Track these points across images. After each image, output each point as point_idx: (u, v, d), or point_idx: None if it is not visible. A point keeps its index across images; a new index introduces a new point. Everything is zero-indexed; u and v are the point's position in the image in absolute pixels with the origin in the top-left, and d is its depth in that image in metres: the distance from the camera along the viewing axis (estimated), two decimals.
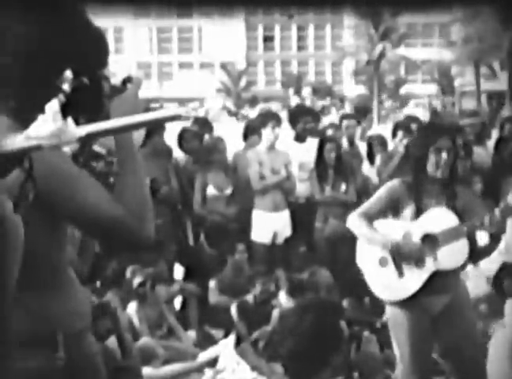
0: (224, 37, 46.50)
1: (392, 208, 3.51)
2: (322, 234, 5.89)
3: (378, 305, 4.61)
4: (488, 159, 6.59)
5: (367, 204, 3.55)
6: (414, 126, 6.41)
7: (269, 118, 6.18)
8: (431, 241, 3.46)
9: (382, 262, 3.49)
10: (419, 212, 3.47)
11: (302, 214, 6.03)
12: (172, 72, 49.61)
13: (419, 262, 3.45)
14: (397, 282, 3.46)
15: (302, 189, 6.13)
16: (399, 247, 3.41)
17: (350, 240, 4.96)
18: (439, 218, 3.48)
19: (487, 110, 33.62)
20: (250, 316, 4.94)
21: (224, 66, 44.27)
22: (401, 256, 3.44)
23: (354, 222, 3.53)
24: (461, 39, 37.84)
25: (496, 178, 6.08)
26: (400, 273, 3.47)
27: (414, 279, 3.46)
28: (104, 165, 1.75)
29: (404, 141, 6.11)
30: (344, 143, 6.76)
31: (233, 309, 5.05)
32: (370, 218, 3.50)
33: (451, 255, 3.46)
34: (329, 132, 6.75)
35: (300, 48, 50.99)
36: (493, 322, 4.23)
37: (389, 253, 3.46)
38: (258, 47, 50.73)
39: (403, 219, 3.49)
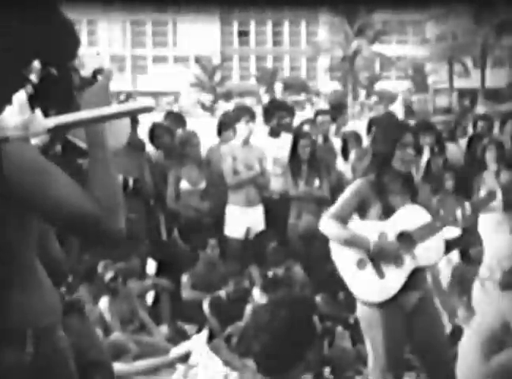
0: (198, 31, 46.33)
1: (358, 208, 3.49)
2: (296, 230, 5.91)
3: (351, 301, 4.65)
4: (461, 156, 6.65)
5: (337, 207, 3.49)
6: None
7: (243, 112, 6.16)
8: (406, 239, 3.47)
9: (360, 264, 3.46)
10: (385, 211, 3.47)
11: (276, 209, 6.04)
12: (146, 66, 49.32)
13: (398, 261, 3.46)
14: (378, 283, 3.45)
15: (276, 184, 6.13)
16: (379, 248, 3.40)
17: (324, 236, 5.00)
18: (412, 215, 3.49)
19: (458, 107, 34.03)
20: (222, 311, 4.93)
21: (198, 60, 44.13)
22: (381, 256, 3.43)
23: (329, 225, 3.46)
24: (434, 37, 38.22)
25: (468, 175, 6.14)
26: (381, 274, 3.46)
27: (395, 279, 3.47)
28: None
29: None
30: (319, 139, 6.78)
31: (206, 305, 5.04)
32: (342, 220, 3.47)
33: (428, 251, 3.48)
34: (305, 127, 6.76)
35: (275, 43, 51.04)
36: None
37: (366, 254, 3.44)
38: (233, 42, 50.66)
39: (369, 218, 3.48)
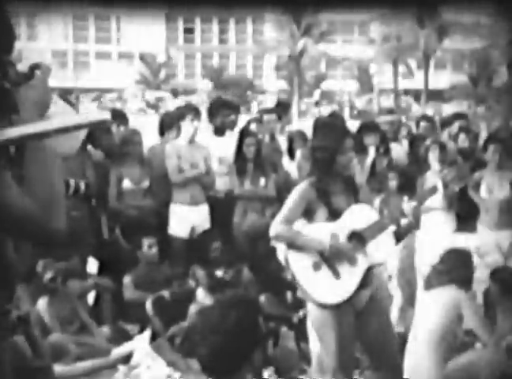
0: (143, 28, 45.83)
1: (305, 212, 3.55)
2: (241, 229, 5.92)
3: (296, 301, 4.68)
4: (405, 156, 6.78)
5: (285, 212, 3.53)
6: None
7: (188, 111, 6.13)
8: (357, 238, 3.55)
9: (316, 266, 3.50)
10: (331, 213, 3.53)
11: (220, 208, 6.03)
12: (89, 62, 48.52)
13: (352, 261, 3.53)
14: (335, 284, 3.50)
15: (221, 183, 6.12)
16: (334, 249, 3.46)
17: (268, 235, 5.01)
18: (360, 215, 3.57)
19: (404, 108, 34.68)
20: (166, 311, 4.90)
21: (143, 58, 43.66)
22: (336, 257, 3.49)
23: (282, 231, 3.49)
24: (379, 38, 38.82)
25: (411, 174, 6.27)
26: (336, 274, 3.51)
27: (350, 279, 3.53)
28: None
29: None
30: (265, 137, 6.80)
31: (148, 305, 5.00)
32: (292, 224, 3.52)
33: (379, 249, 3.56)
34: (252, 126, 6.77)
35: (221, 41, 50.95)
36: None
37: (320, 256, 3.49)
38: (179, 39, 50.33)
39: (317, 221, 3.53)
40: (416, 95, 42.03)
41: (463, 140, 6.61)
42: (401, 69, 41.17)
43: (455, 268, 4.02)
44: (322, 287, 3.48)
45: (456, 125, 7.03)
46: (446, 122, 7.30)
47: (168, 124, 6.36)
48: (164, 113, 6.98)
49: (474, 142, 6.75)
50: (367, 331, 3.55)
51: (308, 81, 46.53)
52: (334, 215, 3.54)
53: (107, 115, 1.49)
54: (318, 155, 3.58)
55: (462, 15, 34.53)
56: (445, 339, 3.91)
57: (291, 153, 6.56)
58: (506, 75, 37.86)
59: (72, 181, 5.24)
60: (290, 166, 6.33)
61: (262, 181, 6.08)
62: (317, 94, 36.54)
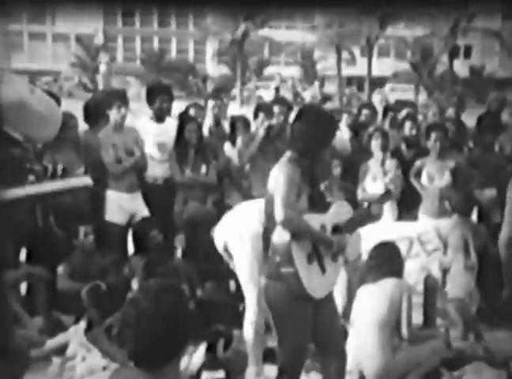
0: (79, 9, 44.84)
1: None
2: (182, 217, 5.88)
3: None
4: (348, 144, 6.85)
5: (286, 197, 3.40)
6: (277, 109, 6.51)
7: (115, 97, 6.00)
8: (339, 233, 3.60)
9: (310, 259, 3.50)
10: (311, 199, 3.54)
11: (160, 196, 5.98)
12: (23, 42, 47.25)
13: (334, 256, 3.57)
14: (322, 278, 3.53)
15: (160, 170, 6.07)
16: (339, 245, 3.50)
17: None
18: (342, 209, 3.64)
19: (346, 95, 35.07)
20: (102, 301, 4.83)
21: (79, 39, 42.72)
22: (328, 251, 3.51)
23: (292, 216, 3.37)
24: (322, 24, 39.07)
25: (354, 162, 6.35)
26: (323, 269, 3.54)
27: (333, 274, 3.59)
28: (21, 151, 1.69)
29: (266, 123, 6.21)
30: (210, 123, 6.76)
31: (84, 294, 4.92)
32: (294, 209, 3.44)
33: (352, 246, 3.63)
34: (191, 111, 6.71)
35: (162, 25, 50.34)
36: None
37: (313, 249, 3.48)
38: (117, 21, 49.49)
39: (299, 207, 3.48)
40: (359, 82, 42.58)
41: (409, 128, 6.69)
42: (345, 55, 41.58)
43: (384, 262, 4.11)
44: (312, 280, 3.48)
45: (402, 113, 7.13)
46: (393, 109, 7.38)
47: (94, 110, 6.20)
48: (90, 98, 6.78)
49: (419, 130, 6.86)
50: (320, 321, 3.59)
51: (251, 67, 46.52)
52: (313, 205, 3.54)
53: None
54: (311, 134, 3.51)
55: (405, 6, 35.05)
56: (388, 327, 4.00)
57: (233, 139, 6.55)
58: (447, 63, 38.76)
59: (50, 166, 5.10)
60: (231, 153, 6.30)
61: (204, 168, 6.05)
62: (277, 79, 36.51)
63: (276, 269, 3.49)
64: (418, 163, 5.94)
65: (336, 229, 3.58)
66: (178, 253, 5.70)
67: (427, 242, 5.48)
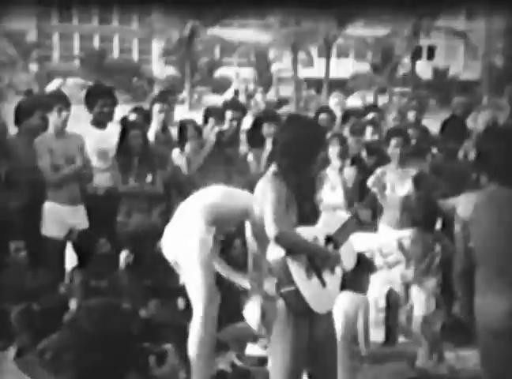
0: (10, 1, 44.12)
1: None
2: (125, 230, 5.85)
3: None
4: None
5: (277, 212, 3.47)
6: (229, 114, 6.53)
7: (55, 99, 5.94)
8: (332, 243, 3.65)
9: (309, 274, 3.53)
10: (300, 214, 3.60)
11: (102, 207, 5.94)
12: None
13: (332, 268, 3.62)
14: (323, 292, 3.56)
15: (102, 179, 6.03)
16: (334, 257, 3.56)
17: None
18: (332, 219, 3.78)
19: (303, 98, 35.32)
20: (35, 323, 4.75)
21: (9, 36, 41.96)
22: (333, 265, 3.58)
23: (285, 231, 3.44)
24: (277, 22, 39.34)
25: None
26: (323, 283, 3.57)
27: (333, 287, 3.63)
28: None
29: (216, 129, 6.23)
30: (156, 128, 6.76)
31: (14, 316, 4.82)
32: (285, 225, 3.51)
33: (347, 255, 3.69)
34: (135, 116, 6.70)
35: (103, 21, 49.92)
36: None
37: (309, 263, 3.52)
38: (52, 17, 48.90)
39: (288, 224, 3.54)
40: (317, 85, 42.96)
41: (371, 134, 6.76)
42: (301, 56, 41.94)
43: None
44: (315, 297, 3.51)
45: (366, 118, 7.20)
46: (356, 114, 7.46)
47: (26, 112, 6.10)
48: (21, 100, 6.67)
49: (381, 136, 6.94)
50: (315, 338, 3.62)
51: (201, 68, 46.51)
52: (300, 219, 3.60)
53: None
54: (292, 150, 3.57)
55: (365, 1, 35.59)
56: (345, 346, 4.05)
57: (181, 145, 6.54)
58: (409, 65, 39.43)
59: None
60: (179, 160, 6.30)
61: (149, 177, 6.04)
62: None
63: (276, 290, 3.54)
64: (378, 170, 5.99)
65: (330, 240, 3.64)
66: (121, 269, 5.65)
67: (389, 254, 5.56)
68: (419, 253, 5.55)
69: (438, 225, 5.97)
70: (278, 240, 3.46)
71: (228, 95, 26.54)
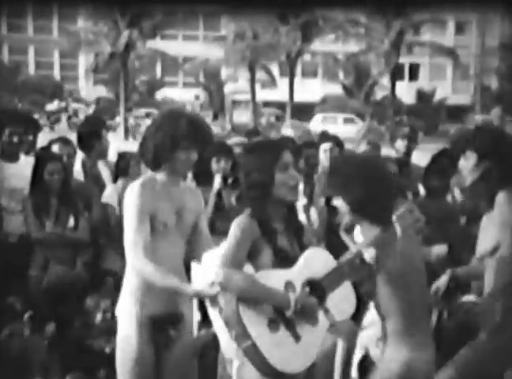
0: None
1: (249, 254, 3.64)
2: (40, 285, 5.81)
3: None
4: None
5: (230, 253, 3.60)
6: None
7: None
8: (316, 289, 3.64)
9: (273, 326, 3.54)
10: (277, 255, 3.65)
11: (13, 257, 5.89)
12: None
13: (313, 319, 3.60)
14: (296, 348, 3.56)
15: (13, 224, 5.99)
16: (300, 304, 3.53)
17: (79, 292, 4.92)
18: (316, 260, 3.69)
19: (262, 125, 35.57)
20: None
21: None
22: (299, 314, 3.55)
23: (233, 276, 3.54)
24: (232, 34, 39.79)
25: None
26: (296, 336, 3.57)
27: (312, 342, 3.60)
28: None
29: None
30: (83, 161, 6.76)
31: None
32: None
33: (340, 303, 3.67)
34: (55, 148, 6.69)
35: (14, 28, 49.50)
36: None
37: (277, 313, 3.54)
38: None
39: (261, 266, 3.62)
40: (280, 109, 43.42)
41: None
42: (260, 75, 42.41)
43: None
44: (282, 353, 3.52)
45: (323, 148, 7.27)
46: (308, 146, 7.53)
47: None
48: None
49: None
50: None
51: (139, 88, 46.69)
52: (280, 260, 3.65)
53: None
54: (252, 180, 3.70)
55: (335, 11, 36.21)
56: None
57: (114, 179, 6.53)
58: (388, 86, 40.12)
59: None
60: (112, 198, 6.29)
61: (71, 220, 6.02)
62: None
63: (237, 345, 3.58)
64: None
65: (314, 284, 3.65)
66: (27, 331, 5.59)
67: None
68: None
69: None
70: (223, 285, 3.59)
71: None
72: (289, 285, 3.61)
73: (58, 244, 5.94)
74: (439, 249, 6.01)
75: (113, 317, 5.53)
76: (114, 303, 5.53)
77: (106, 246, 6.31)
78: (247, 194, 3.77)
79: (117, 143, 8.96)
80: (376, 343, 5.41)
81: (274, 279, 3.61)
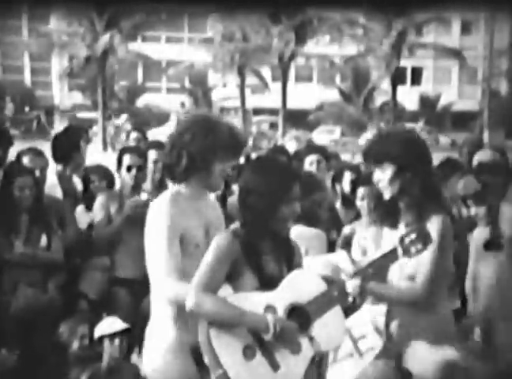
0: None
1: (228, 275, 3.64)
2: (9, 310, 5.79)
3: None
4: None
5: (205, 274, 3.59)
6: (153, 154, 6.56)
7: None
8: (299, 315, 3.62)
9: (248, 353, 3.54)
10: (261, 280, 3.64)
11: None
12: None
13: (294, 346, 3.59)
14: (274, 377, 3.55)
15: None
16: (280, 329, 3.51)
17: (52, 317, 4.88)
18: (302, 283, 3.68)
19: (252, 134, 35.60)
20: None
21: None
22: (278, 340, 3.54)
23: (204, 299, 3.54)
24: (219, 36, 39.86)
25: None
26: (275, 365, 3.56)
27: (293, 371, 3.59)
28: None
29: (134, 172, 6.22)
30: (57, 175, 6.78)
31: None
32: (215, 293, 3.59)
33: (328, 331, 3.65)
34: (25, 160, 6.68)
35: None
36: None
37: (255, 339, 3.53)
38: None
39: (242, 289, 3.63)
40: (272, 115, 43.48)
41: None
42: (250, 80, 42.49)
43: None
44: None
45: (309, 161, 7.29)
46: (296, 156, 7.56)
47: None
48: None
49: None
50: None
51: (118, 95, 46.71)
52: (264, 283, 3.64)
53: None
54: (252, 201, 3.67)
55: (331, 10, 36.31)
56: None
57: (87, 198, 6.53)
58: (389, 92, 40.20)
59: None
60: (83, 216, 6.29)
61: (43, 239, 6.01)
62: (123, 117, 36.45)
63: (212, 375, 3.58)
64: (347, 229, 6.07)
65: (298, 309, 3.64)
66: None
67: (361, 337, 5.59)
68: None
69: None
70: (194, 310, 3.58)
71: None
72: (270, 309, 3.59)
73: (28, 265, 5.91)
74: None
75: (91, 343, 5.59)
76: (91, 328, 5.60)
77: (81, 268, 6.30)
78: (241, 213, 3.75)
79: (95, 154, 8.89)
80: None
81: (253, 302, 3.60)
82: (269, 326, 3.53)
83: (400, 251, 3.74)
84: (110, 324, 5.49)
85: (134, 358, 5.68)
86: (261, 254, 3.69)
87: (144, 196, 6.11)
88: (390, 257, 3.82)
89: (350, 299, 3.79)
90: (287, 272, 3.73)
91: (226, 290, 3.68)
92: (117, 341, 5.42)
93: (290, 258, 3.81)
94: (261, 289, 3.64)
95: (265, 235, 3.72)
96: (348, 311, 4.07)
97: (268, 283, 3.65)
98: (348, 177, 6.67)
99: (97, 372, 5.40)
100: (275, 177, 3.73)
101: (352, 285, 3.74)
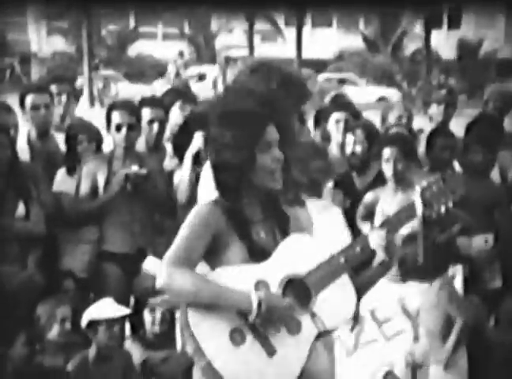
0: None
1: (210, 249, 3.55)
2: None
3: None
4: None
5: (180, 248, 3.51)
6: (147, 113, 6.59)
7: None
8: (298, 289, 3.54)
9: (237, 338, 3.46)
10: (251, 251, 3.56)
11: None
12: None
13: (292, 325, 3.51)
14: (269, 365, 3.49)
15: None
16: (267, 306, 3.41)
17: (32, 297, 4.90)
18: (299, 250, 3.58)
19: None
20: None
21: None
22: (268, 320, 3.45)
23: (181, 276, 3.44)
24: None
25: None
26: (270, 349, 3.50)
27: (292, 355, 3.51)
28: None
29: (124, 132, 6.23)
30: (32, 134, 6.79)
31: None
32: (193, 268, 3.49)
33: (333, 305, 3.55)
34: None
35: None
36: None
37: (243, 320, 3.45)
38: None
39: (230, 264, 3.54)
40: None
41: (353, 144, 6.77)
42: (260, 25, 42.32)
43: None
44: (248, 372, 3.47)
45: (335, 118, 7.25)
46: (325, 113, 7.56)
47: None
48: None
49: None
50: None
51: (107, 41, 46.54)
52: (255, 254, 3.56)
53: None
54: (224, 159, 3.60)
55: None
56: None
57: (70, 163, 6.52)
58: (422, 36, 39.97)
59: None
60: (66, 185, 6.35)
61: (20, 208, 6.05)
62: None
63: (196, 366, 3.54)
64: (369, 196, 6.06)
65: (296, 283, 3.56)
66: None
67: (387, 320, 5.65)
68: (434, 320, 5.67)
69: (459, 278, 6.08)
70: (165, 289, 3.51)
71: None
72: (261, 284, 3.52)
73: (4, 237, 5.98)
74: (482, 241, 6.06)
75: (74, 328, 5.59)
76: (75, 311, 5.59)
77: (64, 241, 6.31)
78: (216, 177, 3.66)
79: (79, 111, 8.81)
80: (406, 360, 5.50)
81: (238, 277, 3.52)
82: (252, 305, 3.43)
83: (419, 204, 3.58)
84: (107, 308, 5.50)
85: (127, 344, 5.72)
86: (248, 222, 3.61)
87: (135, 167, 6.10)
88: (409, 211, 3.64)
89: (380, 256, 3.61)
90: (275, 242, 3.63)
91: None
92: (116, 327, 5.43)
93: (284, 227, 3.69)
94: (252, 262, 3.54)
95: (250, 199, 3.63)
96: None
97: (259, 254, 3.56)
98: (360, 135, 6.63)
99: (85, 361, 5.43)
100: (240, 124, 3.63)
101: (377, 236, 3.59)
